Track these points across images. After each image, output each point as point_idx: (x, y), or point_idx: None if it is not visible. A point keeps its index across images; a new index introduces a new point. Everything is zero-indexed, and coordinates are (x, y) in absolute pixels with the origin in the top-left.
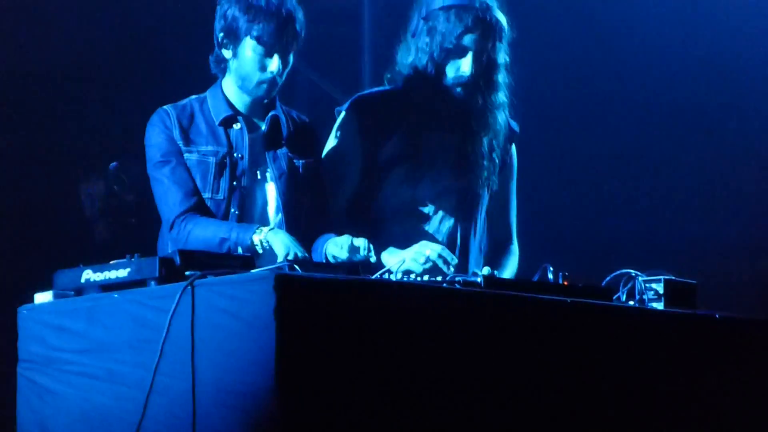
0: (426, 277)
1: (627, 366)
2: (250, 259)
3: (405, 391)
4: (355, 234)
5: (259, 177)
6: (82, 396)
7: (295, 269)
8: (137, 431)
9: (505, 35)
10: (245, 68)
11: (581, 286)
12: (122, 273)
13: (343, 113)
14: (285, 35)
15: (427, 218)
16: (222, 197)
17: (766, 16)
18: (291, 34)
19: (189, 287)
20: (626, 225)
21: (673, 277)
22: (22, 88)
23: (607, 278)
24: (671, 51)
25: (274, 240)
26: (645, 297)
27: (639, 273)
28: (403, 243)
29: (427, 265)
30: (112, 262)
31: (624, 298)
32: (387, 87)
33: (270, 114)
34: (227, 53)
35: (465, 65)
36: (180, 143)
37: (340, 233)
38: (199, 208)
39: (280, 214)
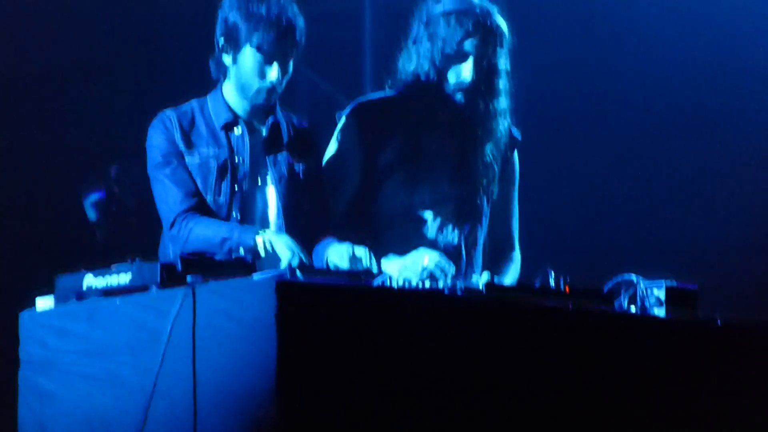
0: (428, 283)
1: (629, 372)
2: (251, 264)
3: (405, 397)
4: (355, 239)
5: (259, 181)
6: (82, 398)
7: (296, 275)
8: None
9: (505, 41)
10: (245, 75)
11: (583, 291)
12: (124, 278)
13: (343, 118)
14: (285, 44)
15: (426, 224)
16: (223, 200)
17: (766, 16)
18: (291, 42)
19: (191, 291)
20: (626, 225)
21: (675, 283)
22: (22, 88)
23: (609, 284)
24: (671, 51)
25: (278, 242)
26: (647, 303)
27: (640, 278)
28: (403, 248)
29: (425, 274)
30: (113, 265)
31: (625, 304)
32: (388, 92)
33: (270, 120)
34: (227, 59)
35: (466, 70)
36: (181, 146)
37: (340, 237)
38: (201, 208)
39: (280, 218)
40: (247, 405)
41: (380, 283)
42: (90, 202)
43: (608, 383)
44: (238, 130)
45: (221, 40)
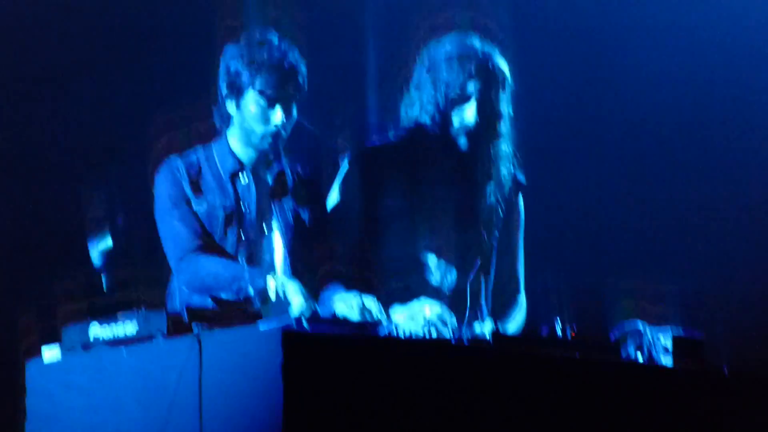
0: (434, 333)
1: (637, 423)
2: (257, 312)
3: None
4: (362, 286)
5: (265, 229)
6: None
7: (302, 324)
8: None
9: (507, 84)
10: (249, 120)
11: (589, 339)
12: (130, 328)
13: (346, 164)
14: (287, 87)
15: (430, 271)
16: (230, 248)
17: (766, 16)
18: (294, 86)
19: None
20: (627, 226)
21: (681, 331)
22: (22, 88)
23: (615, 332)
24: (671, 52)
25: (289, 288)
26: (653, 352)
27: (647, 325)
28: (407, 295)
29: (425, 327)
30: (118, 313)
31: (633, 352)
32: (391, 139)
33: (276, 168)
34: (231, 106)
35: (469, 113)
36: (189, 193)
37: (346, 284)
38: (210, 249)
39: (287, 266)
40: None
41: (387, 333)
42: (95, 249)
43: None
44: (244, 179)
45: (224, 88)
